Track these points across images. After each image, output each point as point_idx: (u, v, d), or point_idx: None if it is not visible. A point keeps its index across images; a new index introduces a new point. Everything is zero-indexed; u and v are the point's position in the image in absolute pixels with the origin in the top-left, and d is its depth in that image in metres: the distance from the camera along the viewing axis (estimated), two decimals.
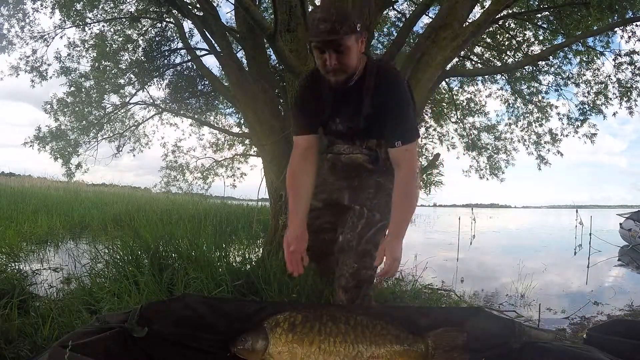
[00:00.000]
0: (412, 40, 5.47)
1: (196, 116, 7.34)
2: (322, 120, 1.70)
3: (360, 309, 1.47)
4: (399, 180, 1.56)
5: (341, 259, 1.67)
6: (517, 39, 6.13)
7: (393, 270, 1.52)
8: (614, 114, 6.15)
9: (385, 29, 6.68)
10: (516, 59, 6.06)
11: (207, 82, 6.21)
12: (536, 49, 5.96)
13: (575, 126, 6.59)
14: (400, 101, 1.56)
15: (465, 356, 1.29)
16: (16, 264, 3.32)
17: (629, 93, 5.77)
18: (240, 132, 7.53)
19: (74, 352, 0.94)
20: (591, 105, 6.28)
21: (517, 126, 7.49)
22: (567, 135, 6.81)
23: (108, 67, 6.47)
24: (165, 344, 1.29)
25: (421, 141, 8.03)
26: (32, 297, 2.36)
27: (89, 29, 6.39)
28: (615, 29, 4.99)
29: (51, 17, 5.95)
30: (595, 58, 5.95)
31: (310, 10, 1.57)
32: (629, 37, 5.17)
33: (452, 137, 8.22)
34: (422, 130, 8.01)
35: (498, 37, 6.23)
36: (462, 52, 5.73)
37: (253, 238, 4.02)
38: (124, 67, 6.43)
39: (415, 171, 1.59)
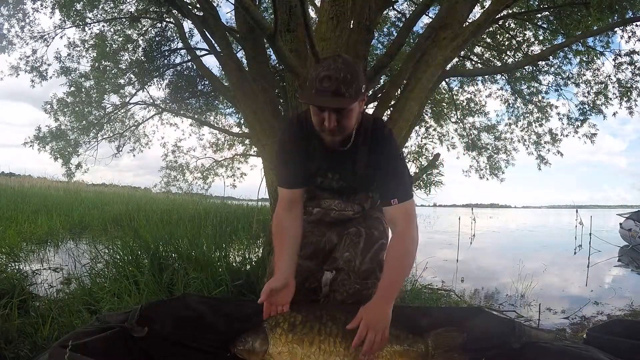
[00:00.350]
0: (412, 40, 5.48)
1: (196, 116, 7.34)
2: (311, 174, 1.57)
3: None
4: (395, 239, 1.43)
5: (339, 277, 1.57)
6: (517, 39, 6.13)
7: (380, 345, 1.27)
8: (614, 114, 6.15)
9: (385, 29, 6.68)
10: (516, 59, 6.06)
11: (207, 82, 6.21)
12: (536, 49, 5.97)
13: (575, 126, 6.59)
14: (396, 159, 1.50)
15: (465, 356, 1.29)
16: (16, 264, 3.31)
17: (629, 93, 5.77)
18: (240, 132, 7.53)
19: (73, 352, 0.94)
20: (591, 105, 6.28)
21: (517, 126, 7.50)
22: (567, 135, 6.82)
23: (108, 67, 6.47)
24: (165, 344, 1.29)
25: (421, 141, 8.05)
26: (32, 297, 2.36)
27: (89, 29, 6.39)
28: (615, 29, 4.99)
29: (51, 17, 5.95)
30: (595, 58, 5.95)
31: (316, 64, 1.42)
32: (629, 37, 5.17)
33: (452, 137, 8.23)
34: (422, 130, 8.02)
35: (498, 37, 6.23)
36: (462, 52, 5.73)
37: (253, 238, 4.02)
38: (124, 67, 6.44)
39: (414, 231, 1.43)
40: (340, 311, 1.35)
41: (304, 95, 1.39)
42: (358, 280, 1.54)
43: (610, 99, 6.07)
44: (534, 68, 6.28)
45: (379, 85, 4.61)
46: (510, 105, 7.37)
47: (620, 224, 9.21)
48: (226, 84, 5.29)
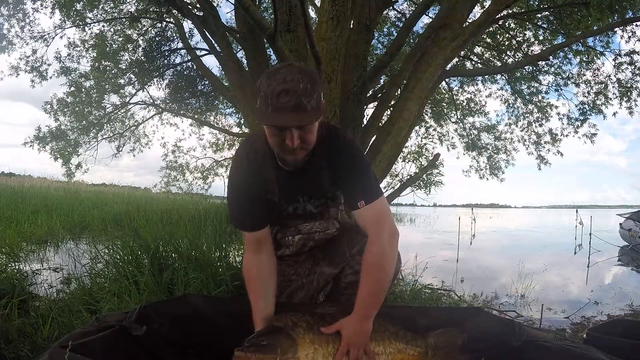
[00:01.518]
0: (412, 40, 5.48)
1: (196, 116, 7.35)
2: (276, 206, 1.42)
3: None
4: (369, 246, 1.29)
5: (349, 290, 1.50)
6: (517, 39, 6.14)
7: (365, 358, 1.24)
8: (614, 114, 6.17)
9: (385, 29, 6.69)
10: (516, 59, 6.07)
11: (207, 82, 6.22)
12: (536, 49, 5.98)
13: (575, 126, 6.60)
14: (358, 164, 1.35)
15: (465, 356, 1.29)
16: (16, 264, 3.31)
17: (629, 93, 5.78)
18: (240, 132, 7.55)
19: (73, 352, 0.94)
20: (591, 105, 6.29)
21: (517, 126, 7.53)
22: (567, 135, 6.84)
23: (108, 67, 6.48)
24: (164, 342, 1.29)
25: (421, 141, 8.06)
26: (32, 297, 2.36)
27: (89, 29, 6.41)
28: (615, 29, 5.00)
29: (51, 17, 5.97)
30: (595, 58, 5.96)
31: (262, 77, 1.23)
32: (629, 37, 5.18)
33: (452, 137, 8.26)
34: (422, 130, 8.03)
35: (498, 37, 6.24)
36: (462, 52, 5.73)
37: None
38: (124, 67, 6.45)
39: (388, 233, 1.30)
40: (341, 313, 1.33)
41: (261, 116, 1.18)
42: None
43: (610, 99, 6.09)
44: (534, 68, 6.29)
45: (379, 85, 4.62)
46: (510, 105, 7.39)
47: (620, 224, 9.21)
48: (226, 84, 5.30)
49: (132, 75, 6.53)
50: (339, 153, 1.35)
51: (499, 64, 6.38)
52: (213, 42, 4.49)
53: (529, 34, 6.14)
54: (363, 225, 1.33)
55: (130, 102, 7.18)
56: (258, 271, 1.38)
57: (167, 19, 6.02)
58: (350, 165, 1.35)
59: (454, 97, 7.57)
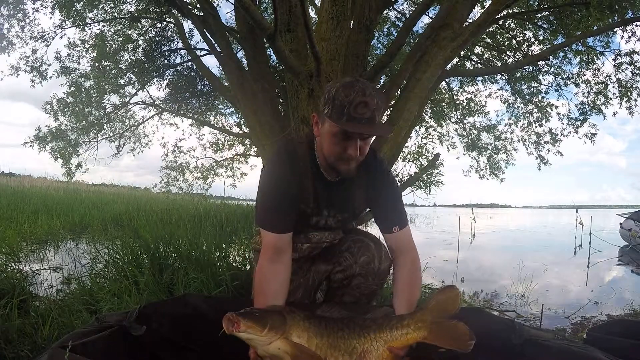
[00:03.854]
0: (412, 40, 5.48)
1: (196, 116, 7.35)
2: (304, 214, 1.45)
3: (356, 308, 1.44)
4: (405, 266, 1.41)
5: (354, 281, 1.56)
6: (517, 39, 6.14)
7: None
8: (614, 114, 6.17)
9: (385, 29, 6.69)
10: (516, 59, 6.06)
11: (207, 82, 6.22)
12: (536, 49, 5.97)
13: (575, 126, 6.60)
14: (394, 189, 1.48)
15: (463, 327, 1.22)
16: (16, 264, 3.31)
17: (629, 93, 5.78)
18: (240, 132, 7.54)
19: (73, 352, 0.94)
20: (591, 105, 6.29)
21: (517, 126, 7.53)
22: (567, 135, 6.83)
23: (108, 67, 6.48)
24: (165, 342, 1.29)
25: (421, 141, 8.06)
26: (32, 297, 2.36)
27: (89, 29, 6.41)
28: (615, 29, 5.00)
29: (51, 17, 5.96)
30: (595, 58, 5.96)
31: (335, 87, 1.25)
32: (629, 37, 5.18)
33: (452, 137, 8.25)
34: (422, 130, 8.03)
35: (498, 37, 6.24)
36: (462, 52, 5.73)
37: (253, 238, 4.01)
38: (124, 67, 6.45)
39: (418, 254, 1.46)
40: (338, 311, 1.32)
41: (334, 122, 1.23)
42: (376, 281, 1.55)
43: (610, 99, 6.09)
44: (534, 68, 6.29)
45: (379, 85, 4.62)
46: (510, 105, 7.39)
47: (621, 224, 9.21)
48: (226, 84, 5.29)
49: (132, 75, 6.53)
50: (377, 174, 1.46)
51: (499, 64, 6.38)
52: (213, 42, 4.49)
53: (529, 34, 6.15)
54: (395, 247, 1.44)
55: (130, 102, 7.18)
56: (275, 285, 1.34)
57: (167, 19, 6.02)
58: (388, 188, 1.46)
59: (454, 97, 7.57)
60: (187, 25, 5.95)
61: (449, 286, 1.30)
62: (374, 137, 1.34)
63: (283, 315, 1.18)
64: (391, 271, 1.51)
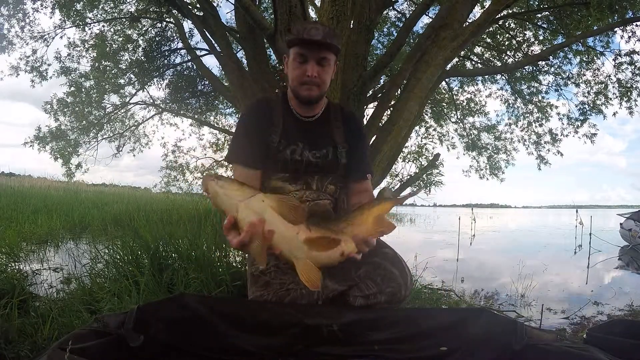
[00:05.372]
0: (412, 40, 5.48)
1: (196, 116, 7.35)
2: (275, 152, 1.45)
3: None
4: (367, 198, 1.51)
5: (378, 306, 1.44)
6: (517, 39, 6.14)
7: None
8: (614, 114, 6.17)
9: (385, 29, 6.69)
10: (516, 59, 6.06)
11: (207, 82, 6.22)
12: (536, 49, 5.98)
13: (575, 126, 6.60)
14: (365, 138, 1.65)
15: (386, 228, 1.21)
16: (16, 264, 3.31)
17: (629, 93, 5.78)
18: None
19: (72, 354, 0.94)
20: (591, 105, 6.28)
21: (517, 126, 7.52)
22: (567, 135, 6.83)
23: (108, 67, 6.48)
24: (163, 348, 1.27)
25: (421, 141, 8.06)
26: (32, 297, 2.36)
27: (89, 29, 6.41)
28: (615, 29, 5.00)
29: (51, 17, 5.96)
30: (595, 58, 5.96)
31: (298, 24, 1.53)
32: (629, 37, 5.18)
33: (452, 137, 8.25)
34: (422, 130, 8.03)
35: (498, 37, 6.24)
36: (462, 52, 5.73)
37: None
38: (124, 67, 6.45)
39: None
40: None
41: (292, 41, 1.43)
42: (399, 305, 1.49)
43: (610, 99, 6.09)
44: (534, 68, 6.29)
45: (379, 85, 4.62)
46: (510, 105, 7.38)
47: (621, 224, 9.21)
48: (226, 84, 5.29)
49: (132, 75, 6.53)
50: (354, 120, 1.60)
51: (499, 64, 6.37)
52: (213, 42, 4.49)
53: (529, 34, 6.15)
54: (360, 191, 1.55)
55: (130, 102, 7.19)
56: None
57: (167, 19, 6.02)
58: (364, 137, 1.62)
59: (454, 97, 7.57)
60: (187, 25, 5.95)
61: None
62: (332, 68, 1.46)
63: (258, 192, 1.13)
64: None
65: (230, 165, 1.57)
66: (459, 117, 7.82)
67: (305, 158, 1.47)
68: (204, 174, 1.19)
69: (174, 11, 5.49)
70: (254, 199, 1.06)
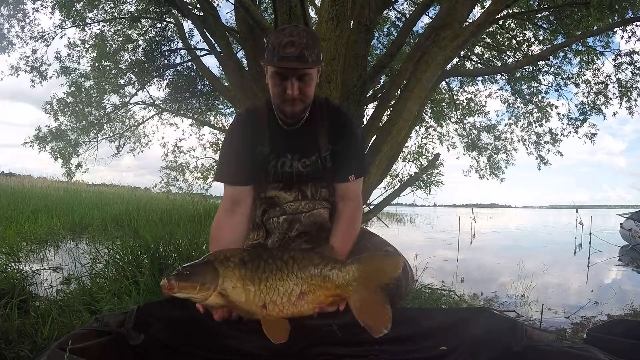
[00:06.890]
0: (412, 40, 5.48)
1: (196, 116, 7.35)
2: (265, 164, 1.44)
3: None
4: (348, 212, 1.45)
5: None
6: (517, 39, 6.14)
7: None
8: (614, 114, 6.17)
9: (385, 29, 6.68)
10: (516, 59, 6.06)
11: (207, 82, 6.21)
12: (536, 49, 5.97)
13: (575, 126, 6.60)
14: (357, 139, 1.51)
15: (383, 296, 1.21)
16: (16, 264, 3.31)
17: (629, 93, 5.78)
18: None
19: (72, 354, 0.94)
20: (591, 105, 6.28)
21: (517, 126, 7.52)
22: (567, 135, 6.83)
23: (108, 67, 6.48)
24: (163, 348, 1.27)
25: (421, 141, 8.06)
26: (32, 297, 2.36)
27: (89, 29, 6.41)
28: (615, 29, 5.00)
29: (51, 17, 5.97)
30: (595, 58, 5.96)
31: (273, 33, 1.38)
32: (629, 37, 5.18)
33: (452, 137, 8.25)
34: (422, 130, 8.03)
35: (498, 37, 6.24)
36: (462, 52, 5.73)
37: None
38: (124, 67, 6.45)
39: (362, 206, 1.52)
40: (283, 252, 1.27)
41: (268, 61, 1.33)
42: (400, 301, 1.47)
43: (610, 99, 6.08)
44: (534, 68, 6.29)
45: (379, 85, 4.62)
46: (510, 105, 7.38)
47: (621, 224, 9.22)
48: (226, 84, 5.29)
49: (132, 75, 6.54)
50: (339, 121, 1.48)
51: (499, 64, 6.38)
52: (213, 42, 4.49)
53: (529, 34, 6.15)
54: (344, 194, 1.47)
55: (130, 102, 7.19)
56: (230, 235, 1.39)
57: (167, 19, 6.02)
58: (350, 136, 1.48)
59: (454, 97, 7.57)
60: (187, 25, 5.95)
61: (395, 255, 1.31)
62: (314, 78, 1.37)
63: (214, 266, 1.15)
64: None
65: None
66: (459, 117, 7.82)
67: (295, 169, 1.45)
68: (162, 281, 1.16)
69: (174, 11, 5.49)
70: (209, 301, 1.15)
